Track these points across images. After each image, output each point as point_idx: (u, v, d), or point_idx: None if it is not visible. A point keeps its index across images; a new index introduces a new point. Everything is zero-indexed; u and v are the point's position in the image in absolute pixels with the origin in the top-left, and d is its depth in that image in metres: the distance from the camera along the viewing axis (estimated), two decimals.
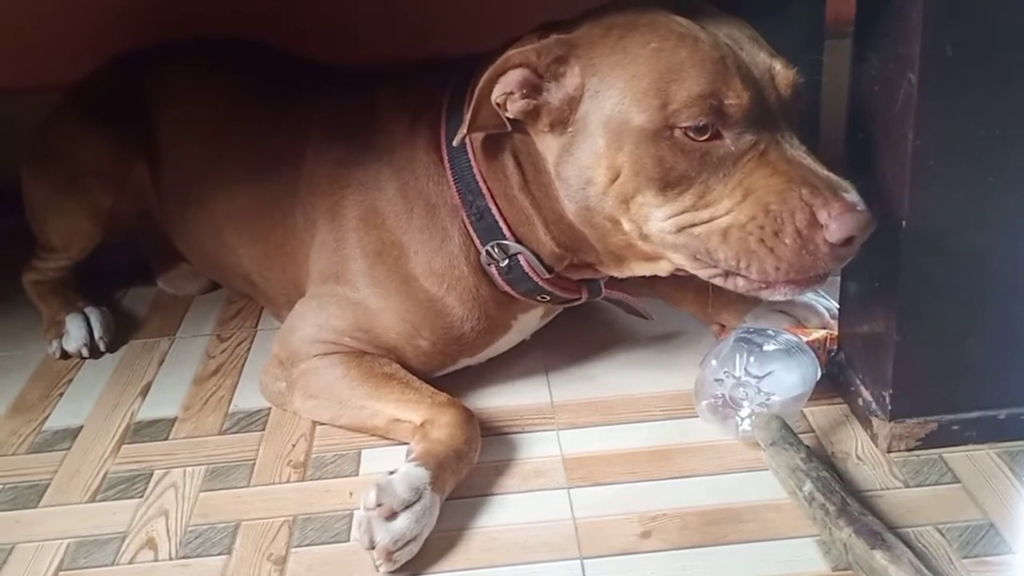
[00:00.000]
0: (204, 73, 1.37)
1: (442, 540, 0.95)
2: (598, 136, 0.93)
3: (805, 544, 0.91)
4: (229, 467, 1.08)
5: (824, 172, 0.89)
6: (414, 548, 0.92)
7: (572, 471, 1.03)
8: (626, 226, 0.95)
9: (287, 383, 1.14)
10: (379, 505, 0.91)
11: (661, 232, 0.93)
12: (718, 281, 0.95)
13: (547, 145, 0.98)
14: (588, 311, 1.30)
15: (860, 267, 1.04)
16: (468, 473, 1.01)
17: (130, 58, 1.42)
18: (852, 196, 0.87)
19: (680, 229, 0.92)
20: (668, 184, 0.91)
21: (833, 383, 1.12)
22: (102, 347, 1.32)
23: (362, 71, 1.25)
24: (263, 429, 1.14)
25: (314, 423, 1.13)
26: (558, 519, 0.97)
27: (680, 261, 0.96)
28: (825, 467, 0.96)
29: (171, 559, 0.95)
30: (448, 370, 1.15)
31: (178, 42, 1.43)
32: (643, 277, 1.24)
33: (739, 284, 0.93)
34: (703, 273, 0.95)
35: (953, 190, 0.93)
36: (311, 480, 1.05)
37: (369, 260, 1.10)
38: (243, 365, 1.27)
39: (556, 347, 1.25)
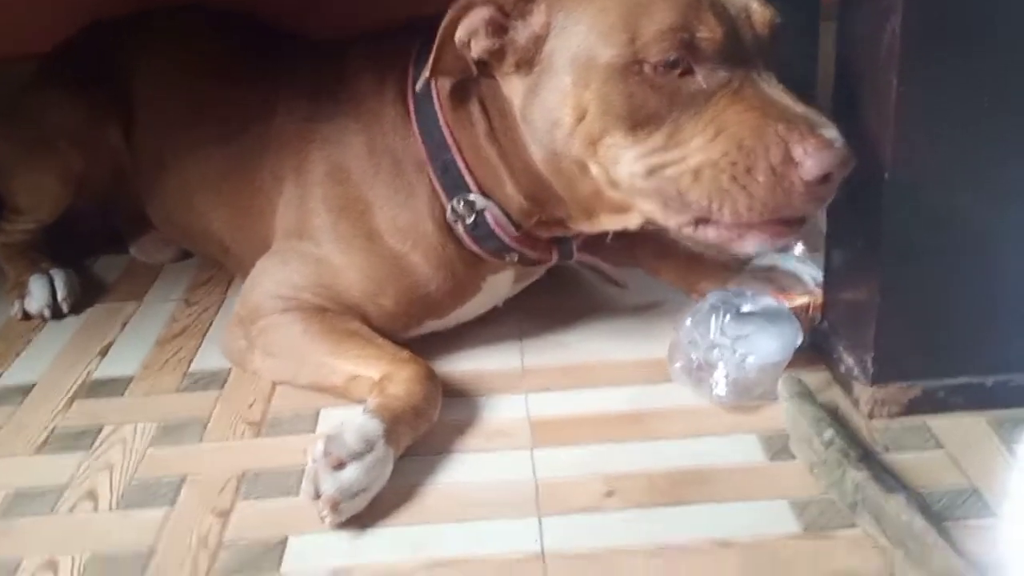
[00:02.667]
0: (180, 39, 1.35)
1: (394, 495, 0.90)
2: (564, 74, 0.89)
3: (778, 505, 0.86)
4: (182, 424, 1.03)
5: (801, 108, 0.84)
6: (362, 501, 0.87)
7: (538, 432, 0.99)
8: (594, 170, 0.91)
9: (247, 341, 1.10)
10: (327, 454, 0.87)
11: (631, 176, 0.89)
12: (688, 231, 0.90)
13: (513, 88, 0.94)
14: (565, 280, 1.27)
15: (843, 225, 1.00)
16: (426, 430, 0.97)
17: (107, 24, 1.40)
18: (830, 132, 0.82)
19: (650, 171, 0.88)
20: (637, 123, 0.86)
21: (816, 351, 1.07)
22: (65, 308, 1.28)
23: (338, 39, 1.21)
24: (221, 388, 1.10)
25: (274, 384, 1.09)
26: (519, 479, 0.92)
27: (650, 209, 0.91)
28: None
29: (111, 509, 0.91)
30: (414, 332, 1.10)
31: (155, 10, 1.40)
32: (621, 244, 1.21)
33: (709, 234, 0.89)
34: (673, 221, 0.90)
35: (938, 142, 0.88)
36: (265, 437, 1.01)
37: (333, 215, 1.06)
38: (208, 328, 1.23)
39: (531, 315, 1.20)
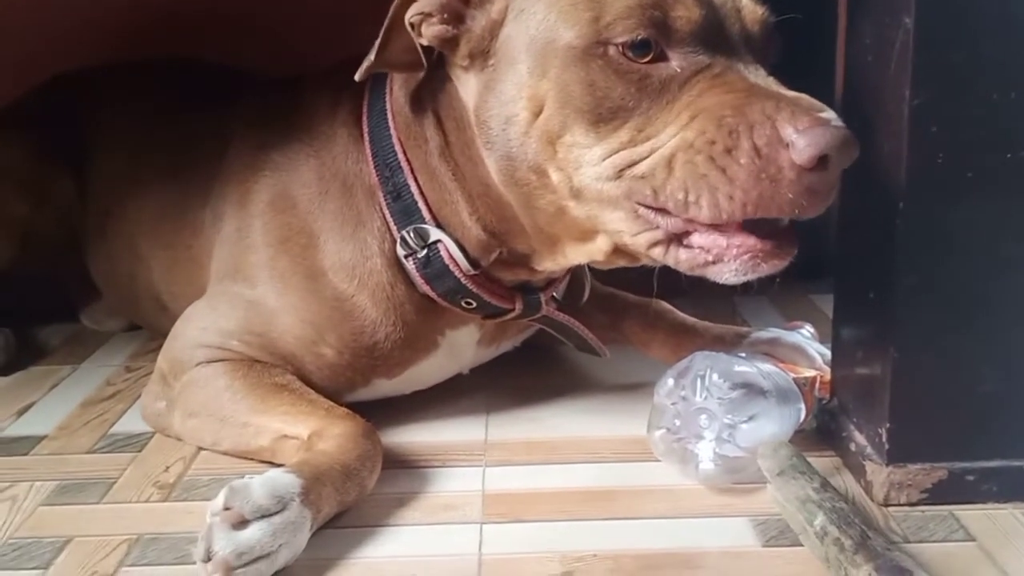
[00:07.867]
0: (137, 88, 1.27)
1: (310, 569, 0.75)
2: (520, 62, 0.78)
3: None
4: (84, 484, 0.90)
5: (794, 93, 0.73)
6: (265, 569, 0.72)
7: (490, 507, 0.84)
8: (554, 177, 0.79)
9: (168, 401, 0.96)
10: (227, 509, 0.72)
11: (597, 180, 0.77)
12: (658, 252, 0.77)
13: (468, 88, 0.83)
14: (542, 356, 1.14)
15: (853, 269, 0.88)
16: (357, 497, 0.82)
17: (67, 78, 1.32)
18: (828, 113, 0.70)
19: (619, 172, 0.75)
20: (600, 117, 0.75)
21: (823, 434, 0.93)
22: None
23: (299, 73, 1.12)
24: (139, 451, 0.96)
25: (200, 449, 0.95)
26: (461, 554, 0.77)
27: (619, 224, 0.78)
28: (842, 499, 0.77)
29: None
30: (363, 394, 0.97)
31: (116, 63, 1.33)
32: (607, 317, 1.09)
33: (681, 256, 0.76)
34: (644, 238, 0.77)
35: (961, 164, 0.76)
36: (174, 501, 0.86)
37: (272, 250, 0.94)
38: (141, 393, 1.10)
39: (502, 390, 1.07)
